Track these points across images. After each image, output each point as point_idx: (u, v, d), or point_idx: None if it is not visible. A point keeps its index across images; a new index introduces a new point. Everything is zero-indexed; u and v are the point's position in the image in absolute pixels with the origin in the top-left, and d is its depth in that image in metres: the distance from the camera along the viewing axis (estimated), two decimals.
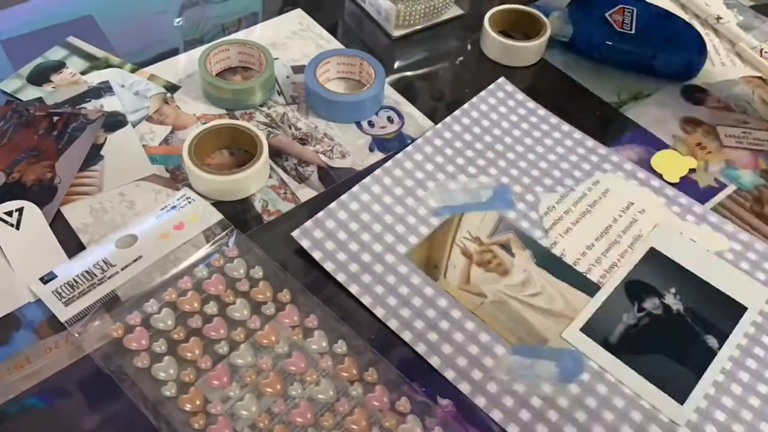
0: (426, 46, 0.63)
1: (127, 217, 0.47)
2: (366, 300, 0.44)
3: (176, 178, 0.49)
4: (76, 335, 0.40)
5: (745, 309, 0.45)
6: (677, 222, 0.49)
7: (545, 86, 0.60)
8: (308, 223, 0.47)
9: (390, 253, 0.46)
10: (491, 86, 0.58)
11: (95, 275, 0.43)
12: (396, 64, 0.60)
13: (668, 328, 0.44)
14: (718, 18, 0.67)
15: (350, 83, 0.58)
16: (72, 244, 0.45)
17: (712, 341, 0.43)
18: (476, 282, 0.45)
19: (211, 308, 0.42)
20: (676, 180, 0.53)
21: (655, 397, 0.41)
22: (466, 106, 0.56)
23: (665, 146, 0.55)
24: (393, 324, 0.43)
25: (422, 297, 0.44)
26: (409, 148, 0.52)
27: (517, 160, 0.53)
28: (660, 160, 0.54)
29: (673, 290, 0.45)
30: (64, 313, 0.41)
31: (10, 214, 0.46)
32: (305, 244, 0.46)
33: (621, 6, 0.62)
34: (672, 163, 0.54)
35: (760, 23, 0.67)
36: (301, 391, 0.39)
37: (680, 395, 0.41)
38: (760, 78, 0.62)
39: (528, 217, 0.49)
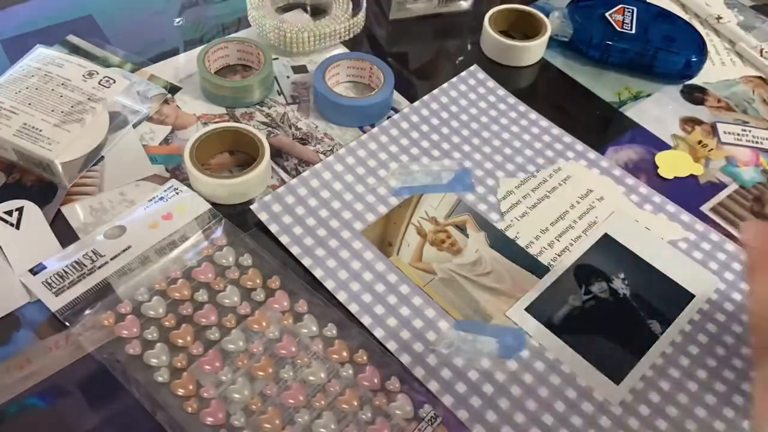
0: (426, 47, 0.63)
1: None
2: (317, 273, 0.45)
3: (176, 178, 0.49)
4: (67, 324, 0.41)
5: (692, 296, 0.46)
6: (634, 210, 0.50)
7: (545, 86, 0.60)
8: (267, 198, 0.48)
9: (346, 229, 0.47)
10: (463, 73, 0.59)
11: (84, 265, 0.43)
12: (395, 66, 0.60)
13: (613, 311, 0.45)
14: (718, 18, 0.67)
15: (359, 87, 0.58)
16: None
17: (655, 326, 0.44)
18: (428, 260, 0.46)
19: (202, 296, 0.43)
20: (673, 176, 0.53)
21: (591, 377, 0.42)
22: (435, 91, 0.57)
23: (665, 146, 0.55)
24: (342, 296, 0.44)
25: (373, 272, 0.45)
26: (375, 129, 0.53)
27: (481, 146, 0.53)
28: (661, 160, 0.54)
29: (622, 275, 0.46)
30: (54, 303, 0.41)
31: (10, 213, 0.46)
32: (263, 217, 0.47)
33: (621, 6, 0.62)
34: (673, 164, 0.54)
35: (760, 23, 0.67)
36: (293, 373, 0.40)
37: (617, 376, 0.42)
38: (760, 78, 0.62)
39: (486, 200, 0.50)
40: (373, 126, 0.54)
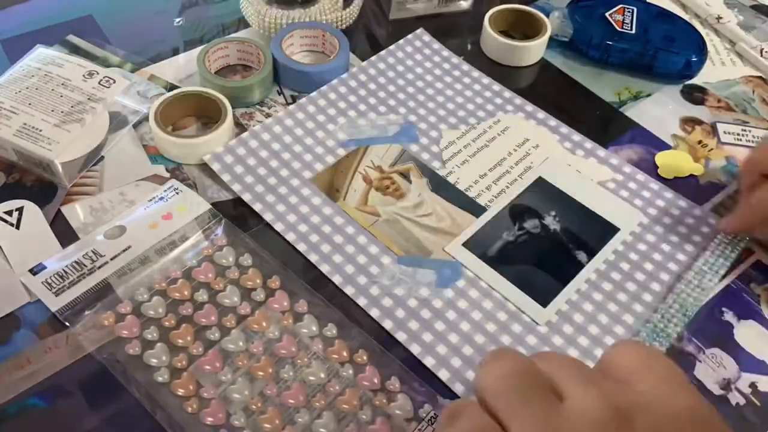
0: None
1: None
2: (268, 216, 0.47)
3: (176, 178, 0.49)
4: (67, 324, 0.41)
5: (617, 230, 0.49)
6: (567, 156, 0.53)
7: (545, 86, 0.60)
8: (220, 149, 0.50)
9: (295, 177, 0.49)
10: (409, 36, 0.61)
11: (85, 265, 0.43)
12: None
13: (543, 244, 0.48)
14: (718, 18, 0.67)
15: (315, 55, 0.59)
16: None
17: (581, 256, 0.47)
18: (372, 203, 0.49)
19: (202, 296, 0.43)
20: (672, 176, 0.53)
21: (520, 301, 0.45)
22: (382, 52, 0.59)
23: (665, 146, 0.55)
24: (290, 237, 0.46)
25: (320, 215, 0.47)
26: (324, 87, 0.55)
27: (426, 102, 0.56)
28: (661, 160, 0.54)
29: (553, 213, 0.49)
30: (54, 303, 0.41)
31: (10, 213, 0.46)
32: (216, 167, 0.49)
33: (621, 6, 0.62)
34: (673, 164, 0.54)
35: (760, 23, 0.67)
36: (293, 373, 0.40)
37: (544, 300, 0.45)
38: (760, 78, 0.62)
39: (429, 150, 0.52)
40: None
